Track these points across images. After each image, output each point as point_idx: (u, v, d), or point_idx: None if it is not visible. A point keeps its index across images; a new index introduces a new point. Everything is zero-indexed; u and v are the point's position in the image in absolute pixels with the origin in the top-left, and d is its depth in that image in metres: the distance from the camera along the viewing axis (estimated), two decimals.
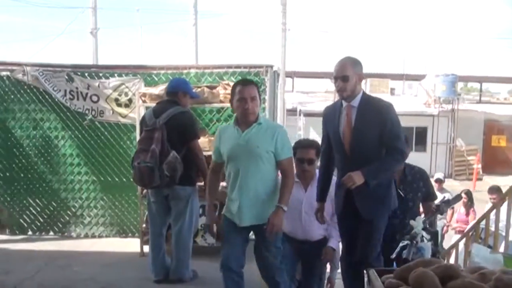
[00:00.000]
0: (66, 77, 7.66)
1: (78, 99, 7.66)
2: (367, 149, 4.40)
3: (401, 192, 5.13)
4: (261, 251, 4.71)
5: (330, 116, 4.67)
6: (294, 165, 5.01)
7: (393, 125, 4.38)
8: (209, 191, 4.90)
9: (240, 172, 4.56)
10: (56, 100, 7.73)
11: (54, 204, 8.09)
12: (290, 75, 30.63)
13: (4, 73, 7.89)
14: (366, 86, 37.27)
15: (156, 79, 7.54)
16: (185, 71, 7.44)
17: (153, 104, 6.10)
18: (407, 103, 27.38)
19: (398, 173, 5.18)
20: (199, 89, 6.65)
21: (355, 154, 4.44)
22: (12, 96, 7.90)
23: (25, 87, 7.81)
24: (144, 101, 6.84)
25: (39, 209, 8.16)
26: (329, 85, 30.71)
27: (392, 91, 33.68)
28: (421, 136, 27.04)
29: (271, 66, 7.61)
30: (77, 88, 7.65)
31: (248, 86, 4.56)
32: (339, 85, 4.44)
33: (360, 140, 4.41)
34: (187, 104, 5.75)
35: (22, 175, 8.10)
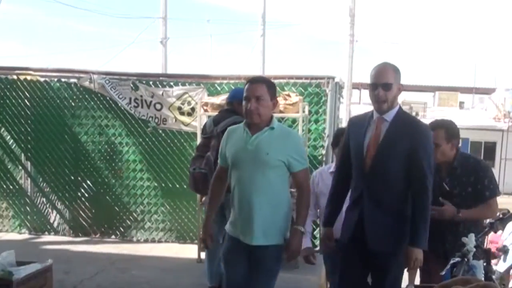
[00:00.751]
0: (132, 85, 7.87)
1: (142, 106, 7.85)
2: (388, 171, 3.75)
3: (446, 186, 4.47)
4: (255, 275, 3.99)
5: (356, 127, 3.95)
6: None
7: (425, 155, 3.72)
8: (210, 199, 4.32)
9: (244, 181, 3.91)
10: (121, 107, 7.95)
11: (116, 208, 8.31)
12: (357, 86, 30.41)
13: (72, 80, 8.19)
14: (435, 99, 36.60)
15: (219, 88, 7.66)
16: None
17: (214, 113, 6.19)
18: (476, 117, 26.74)
19: (445, 164, 4.46)
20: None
21: (374, 173, 3.78)
22: (79, 103, 8.19)
23: (92, 94, 8.07)
24: (205, 110, 6.96)
25: (102, 213, 8.38)
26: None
27: (461, 104, 32.93)
28: (490, 151, 26.29)
29: (333, 78, 7.59)
30: (141, 96, 7.84)
31: (255, 84, 3.93)
32: (379, 94, 3.76)
33: (383, 159, 3.75)
34: None
35: (86, 179, 8.36)
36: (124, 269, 6.73)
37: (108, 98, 8.01)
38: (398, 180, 3.74)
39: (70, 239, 8.37)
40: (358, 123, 3.96)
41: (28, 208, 8.62)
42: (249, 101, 3.86)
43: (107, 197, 8.33)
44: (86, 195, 8.42)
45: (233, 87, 7.30)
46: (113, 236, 8.39)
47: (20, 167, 8.65)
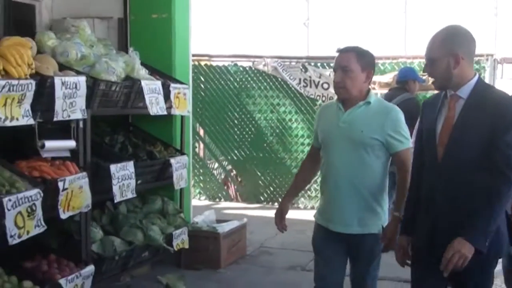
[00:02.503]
0: (301, 67, 8.74)
1: (310, 86, 8.72)
2: (465, 160, 2.95)
3: None
4: (356, 277, 3.63)
5: (429, 109, 3.19)
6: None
7: (509, 132, 2.87)
8: (295, 177, 4.03)
9: (335, 162, 3.49)
10: (291, 87, 8.87)
11: (286, 179, 9.23)
12: (500, 61, 29.44)
13: (246, 64, 9.21)
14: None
15: (382, 68, 8.29)
16: (409, 60, 8.10)
17: (382, 91, 6.86)
18: None
19: None
20: (424, 77, 7.27)
21: (448, 164, 3.00)
22: (254, 84, 9.20)
23: (265, 76, 9.05)
24: (373, 88, 7.64)
25: (272, 182, 9.36)
26: None
27: None
28: None
29: (492, 55, 7.93)
30: (310, 77, 8.70)
31: (342, 53, 3.47)
32: (427, 70, 3.12)
33: (459, 145, 2.97)
34: (415, 91, 6.41)
35: (259, 152, 9.38)
36: (300, 231, 7.56)
37: (279, 79, 8.95)
38: (478, 172, 2.92)
39: (244, 205, 9.43)
40: (431, 103, 3.23)
41: (206, 178, 9.79)
42: (335, 73, 3.48)
43: (277, 168, 9.29)
44: (258, 166, 9.43)
45: (396, 67, 7.91)
46: None
47: (200, 142, 9.84)
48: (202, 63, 9.39)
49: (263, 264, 6.38)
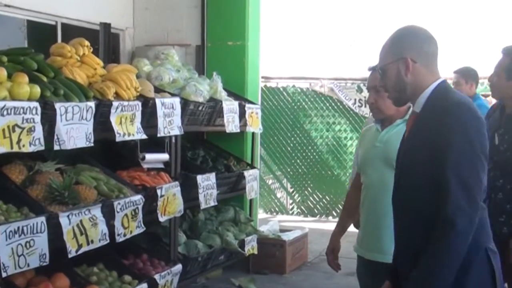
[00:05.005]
0: (357, 88, 9.29)
1: (365, 106, 9.24)
2: (412, 190, 2.43)
3: (496, 140, 3.67)
4: None
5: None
6: None
7: (452, 151, 2.26)
8: (342, 210, 3.73)
9: (372, 185, 3.27)
10: (347, 107, 9.42)
11: (340, 194, 9.75)
12: None
13: (304, 85, 9.81)
14: None
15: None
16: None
17: None
18: None
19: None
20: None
21: (398, 196, 2.56)
22: (310, 104, 9.78)
23: (321, 97, 9.62)
24: None
25: (327, 197, 9.89)
26: None
27: None
28: None
29: None
30: (365, 97, 9.22)
31: (372, 73, 3.26)
32: (380, 84, 2.76)
33: (405, 171, 2.51)
34: None
35: (314, 168, 9.93)
36: (353, 242, 8.06)
37: (335, 99, 9.51)
38: (426, 206, 2.36)
39: (301, 218, 9.97)
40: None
41: (264, 192, 10.36)
42: (368, 93, 3.31)
43: (332, 184, 9.83)
44: (314, 181, 9.97)
45: None
46: (337, 218, 9.84)
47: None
48: (261, 84, 10.01)
49: (324, 270, 6.87)
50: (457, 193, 2.22)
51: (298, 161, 10.01)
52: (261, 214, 10.22)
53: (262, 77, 10.02)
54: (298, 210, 10.13)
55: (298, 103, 9.87)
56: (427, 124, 2.37)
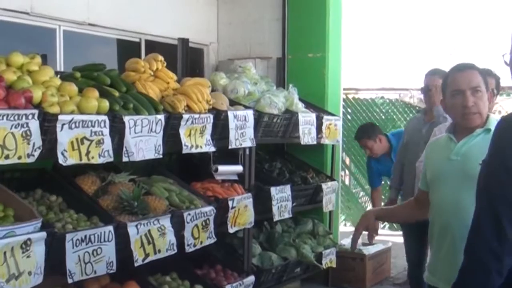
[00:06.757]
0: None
1: None
2: None
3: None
4: None
5: None
6: None
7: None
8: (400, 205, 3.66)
9: (445, 203, 2.88)
10: None
11: None
12: None
13: (392, 96, 9.62)
14: None
15: None
16: None
17: None
18: None
19: None
20: None
21: None
22: (399, 115, 9.54)
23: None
24: None
25: None
26: None
27: None
28: None
29: None
30: None
31: (466, 71, 2.91)
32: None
33: None
34: None
35: None
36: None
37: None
38: None
39: (388, 232, 9.73)
40: None
41: (352, 205, 10.22)
42: (463, 96, 2.85)
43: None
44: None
45: None
46: None
47: (346, 170, 10.31)
48: (350, 96, 9.92)
49: (406, 286, 6.69)
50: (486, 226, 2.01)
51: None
52: (348, 227, 10.10)
53: (351, 89, 9.96)
54: (387, 223, 9.90)
55: (387, 114, 9.67)
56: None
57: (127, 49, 6.18)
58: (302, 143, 5.69)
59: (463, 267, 2.08)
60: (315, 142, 5.92)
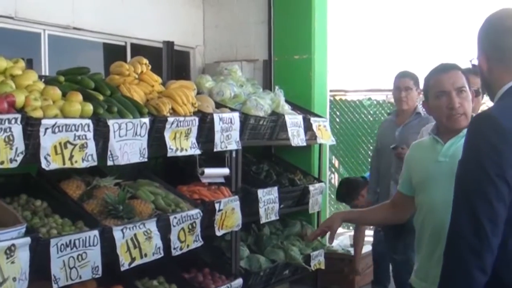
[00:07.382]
0: None
1: None
2: None
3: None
4: None
5: None
6: None
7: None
8: (369, 209, 3.57)
9: (434, 206, 2.78)
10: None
11: None
12: None
13: (380, 97, 9.61)
14: None
15: None
16: None
17: None
18: None
19: None
20: None
21: None
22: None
23: None
24: None
25: None
26: None
27: None
28: None
29: None
30: None
31: (451, 72, 2.84)
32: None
33: None
34: None
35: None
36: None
37: None
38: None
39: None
40: None
41: (340, 207, 10.19)
42: (449, 97, 2.79)
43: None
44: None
45: None
46: None
47: (335, 172, 10.31)
48: (337, 97, 9.93)
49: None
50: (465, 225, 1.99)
51: None
52: (339, 229, 10.10)
53: (339, 91, 9.97)
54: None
55: (375, 116, 9.68)
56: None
57: (113, 53, 6.16)
58: (292, 144, 5.68)
59: (444, 267, 2.05)
60: (305, 144, 5.91)
